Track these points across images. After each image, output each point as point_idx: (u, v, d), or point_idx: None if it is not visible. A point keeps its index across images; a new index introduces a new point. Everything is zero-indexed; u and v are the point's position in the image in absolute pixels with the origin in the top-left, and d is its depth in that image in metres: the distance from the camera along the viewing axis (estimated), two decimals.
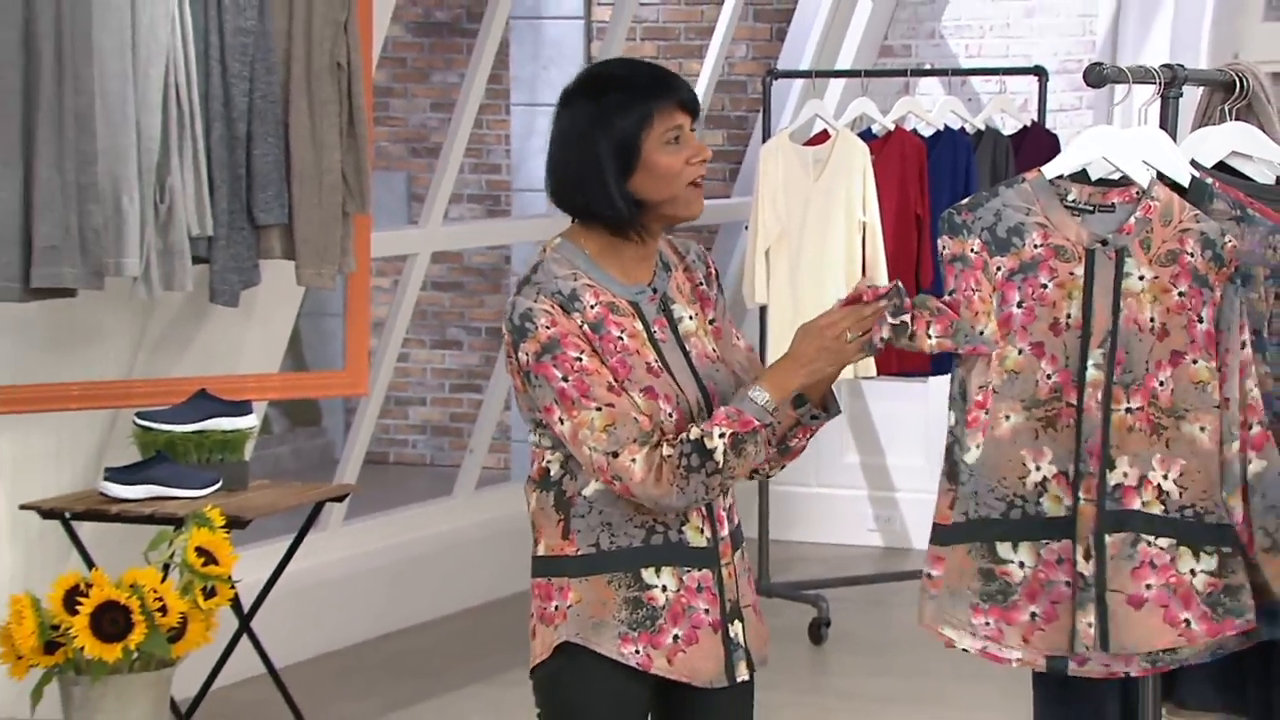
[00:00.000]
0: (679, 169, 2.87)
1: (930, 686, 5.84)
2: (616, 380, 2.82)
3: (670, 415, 2.85)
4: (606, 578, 2.87)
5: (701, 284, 3.01)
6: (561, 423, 2.82)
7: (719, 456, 2.79)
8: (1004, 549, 3.09)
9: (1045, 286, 3.07)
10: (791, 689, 5.88)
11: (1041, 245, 3.09)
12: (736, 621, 2.96)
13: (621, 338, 2.86)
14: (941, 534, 3.13)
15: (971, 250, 3.10)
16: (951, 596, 3.12)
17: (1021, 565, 3.09)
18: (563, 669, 2.89)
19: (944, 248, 3.13)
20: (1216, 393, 3.01)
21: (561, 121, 2.90)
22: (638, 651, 2.87)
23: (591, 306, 2.86)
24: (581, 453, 2.82)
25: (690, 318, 2.96)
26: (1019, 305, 3.08)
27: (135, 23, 4.69)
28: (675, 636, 2.89)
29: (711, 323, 3.00)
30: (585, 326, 2.84)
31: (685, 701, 2.95)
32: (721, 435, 2.79)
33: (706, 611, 2.91)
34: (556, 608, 2.89)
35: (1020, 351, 3.08)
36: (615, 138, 2.85)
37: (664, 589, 2.88)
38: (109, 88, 4.66)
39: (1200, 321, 3.02)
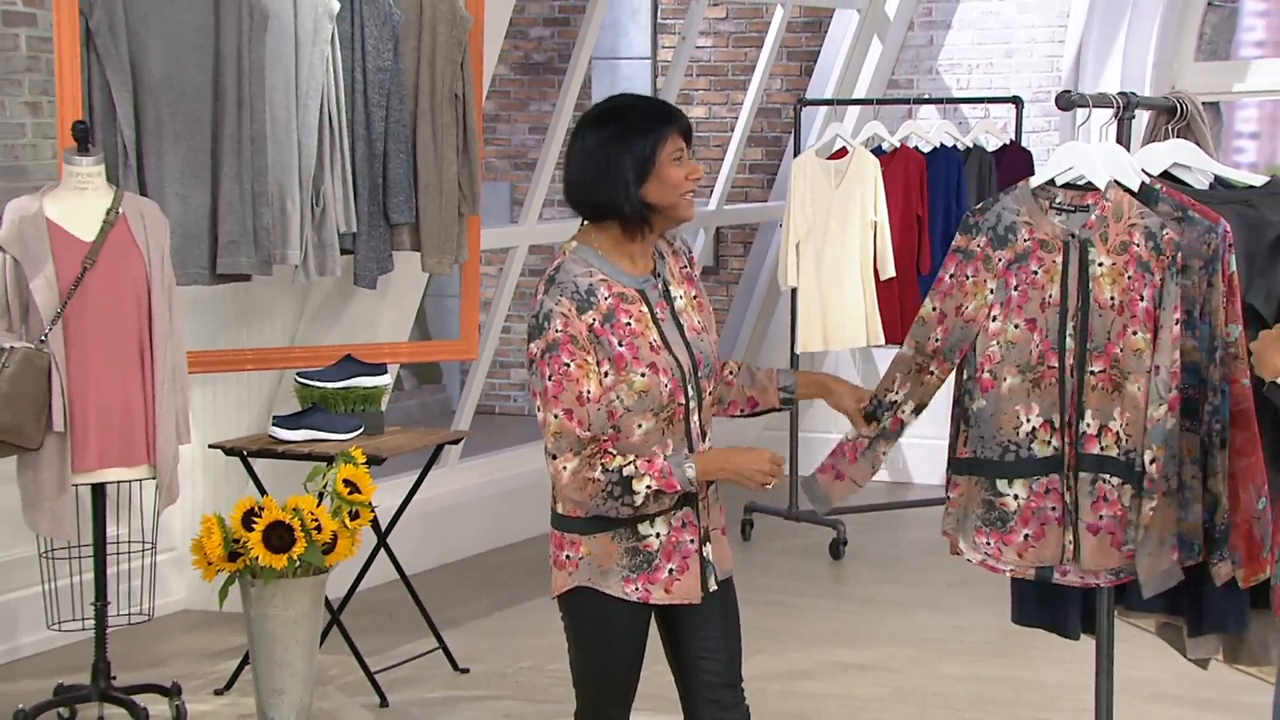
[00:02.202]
0: (680, 181, 2.87)
1: (929, 593, 5.82)
2: (619, 367, 2.80)
3: (667, 386, 2.84)
4: (610, 534, 2.87)
5: (686, 266, 3.00)
6: (538, 411, 2.83)
7: (637, 500, 2.80)
8: (1002, 485, 3.09)
9: (1036, 273, 3.07)
10: (816, 595, 5.89)
11: (1029, 239, 3.08)
12: (708, 544, 2.95)
13: (629, 323, 2.84)
14: (956, 465, 3.15)
15: (977, 246, 3.11)
16: (963, 517, 3.14)
17: (1016, 497, 3.08)
18: (577, 603, 2.92)
19: (956, 240, 3.14)
20: (1149, 359, 2.99)
21: (586, 140, 2.87)
22: (638, 588, 2.88)
23: (605, 299, 2.84)
24: (543, 438, 2.83)
25: (681, 297, 2.95)
26: (1015, 289, 3.08)
27: (298, 66, 4.72)
28: (670, 570, 2.89)
29: (694, 297, 2.98)
30: (597, 320, 2.81)
31: (676, 612, 2.96)
32: (648, 486, 2.79)
33: (691, 541, 2.91)
34: (568, 556, 2.90)
35: (1017, 326, 3.08)
36: (635, 152, 2.83)
37: (657, 535, 2.87)
38: (277, 116, 4.70)
39: (1142, 300, 2.99)
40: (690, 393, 2.88)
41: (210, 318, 5.28)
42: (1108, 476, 3.02)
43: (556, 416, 2.78)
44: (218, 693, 4.71)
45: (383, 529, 4.86)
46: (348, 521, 4.25)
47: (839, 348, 6.30)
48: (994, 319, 3.09)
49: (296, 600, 4.21)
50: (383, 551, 4.90)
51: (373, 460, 4.44)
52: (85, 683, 4.33)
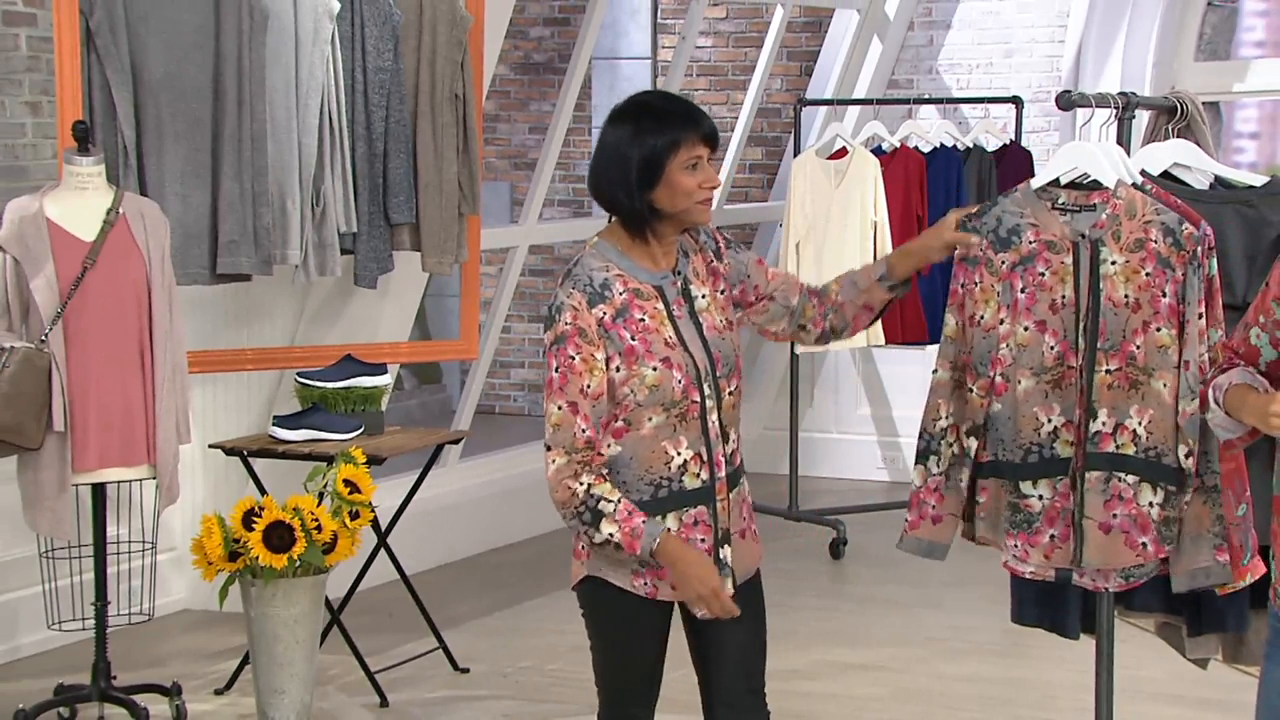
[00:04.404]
0: (692, 189, 2.82)
1: (928, 593, 5.82)
2: (630, 360, 2.78)
3: (680, 382, 2.81)
4: None
5: (712, 260, 2.95)
6: (546, 401, 2.81)
7: (597, 538, 2.79)
8: (1025, 486, 3.07)
9: (1043, 275, 3.05)
10: (815, 595, 5.88)
11: (1035, 241, 3.06)
12: (726, 546, 2.89)
13: (643, 319, 2.82)
14: (981, 469, 3.13)
15: (979, 250, 3.09)
16: (994, 519, 3.13)
17: (1040, 498, 3.07)
18: (591, 593, 2.91)
19: (957, 249, 3.11)
20: (1176, 355, 2.97)
21: (606, 135, 2.85)
22: (646, 583, 2.86)
23: (620, 293, 2.82)
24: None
25: (703, 296, 2.90)
26: (1022, 291, 3.06)
27: (298, 66, 4.73)
28: None
29: (721, 293, 2.93)
30: (608, 315, 2.79)
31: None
32: (612, 535, 2.77)
33: (702, 540, 2.86)
34: (583, 546, 2.89)
35: (1026, 329, 3.06)
36: (644, 155, 2.80)
37: (666, 531, 2.81)
38: (277, 116, 4.70)
39: (1164, 296, 2.98)
40: (706, 391, 2.85)
41: (210, 318, 5.28)
42: (1123, 475, 3.00)
43: (560, 408, 2.77)
44: (218, 693, 4.71)
45: (383, 529, 4.86)
46: (348, 521, 4.25)
47: (839, 348, 6.31)
48: (1002, 322, 3.08)
49: (296, 600, 4.21)
50: (383, 551, 4.90)
51: (373, 460, 4.44)
52: (85, 683, 4.33)
